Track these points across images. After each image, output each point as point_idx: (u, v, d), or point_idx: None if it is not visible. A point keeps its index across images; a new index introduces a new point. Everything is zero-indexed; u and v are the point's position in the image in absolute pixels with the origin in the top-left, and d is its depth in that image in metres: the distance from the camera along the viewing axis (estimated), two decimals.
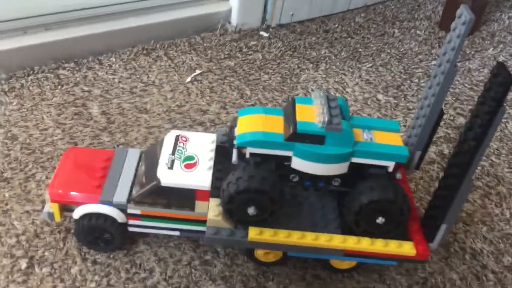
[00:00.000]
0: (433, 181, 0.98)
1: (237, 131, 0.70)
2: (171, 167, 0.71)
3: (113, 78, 1.11)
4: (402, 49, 1.38)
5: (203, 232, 0.74)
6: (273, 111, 0.72)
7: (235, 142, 0.72)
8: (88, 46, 1.15)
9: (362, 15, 1.51)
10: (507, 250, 0.87)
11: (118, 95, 1.07)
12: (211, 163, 0.73)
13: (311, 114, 0.68)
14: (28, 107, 1.00)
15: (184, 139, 0.76)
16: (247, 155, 0.69)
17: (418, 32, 1.47)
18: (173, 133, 0.77)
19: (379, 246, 0.70)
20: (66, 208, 0.75)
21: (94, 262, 0.76)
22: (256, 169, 0.67)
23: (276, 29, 1.37)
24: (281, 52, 1.29)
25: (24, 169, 0.88)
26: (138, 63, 1.17)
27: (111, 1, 1.24)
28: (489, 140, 0.61)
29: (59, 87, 1.07)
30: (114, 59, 1.17)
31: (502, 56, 1.42)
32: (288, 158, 0.69)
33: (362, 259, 0.72)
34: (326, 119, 0.65)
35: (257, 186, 0.66)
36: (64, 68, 1.11)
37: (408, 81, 1.26)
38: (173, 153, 0.73)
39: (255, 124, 0.69)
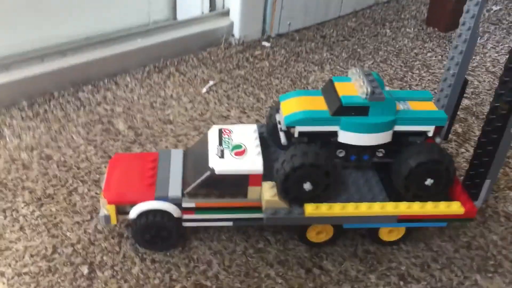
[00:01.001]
0: (454, 157, 1.03)
1: (283, 113, 0.73)
2: (222, 156, 0.74)
3: (132, 96, 1.14)
4: (397, 46, 1.45)
5: (256, 219, 0.77)
6: (311, 92, 0.76)
7: (280, 125, 0.75)
8: (102, 68, 1.18)
9: (353, 19, 1.58)
10: None
11: (140, 111, 1.09)
12: (259, 149, 0.76)
13: (351, 89, 0.72)
14: (56, 129, 1.02)
15: (227, 131, 0.79)
16: (296, 135, 0.72)
17: (408, 30, 1.55)
18: (215, 127, 0.80)
19: (430, 208, 0.73)
20: (120, 211, 0.76)
21: (153, 261, 0.77)
22: (308, 146, 0.70)
23: (276, 39, 1.43)
24: (286, 58, 1.34)
25: (65, 185, 0.89)
26: (152, 81, 1.20)
27: (120, 26, 1.28)
28: None
29: (82, 108, 1.09)
30: (129, 79, 1.20)
31: (490, 43, 1.50)
32: (335, 134, 0.72)
33: (414, 223, 0.75)
34: (369, 89, 0.69)
35: (312, 161, 0.69)
36: (83, 91, 1.14)
37: (410, 73, 1.32)
38: (220, 144, 0.76)
39: (300, 105, 0.73)
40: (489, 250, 0.82)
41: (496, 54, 1.44)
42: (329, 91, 0.74)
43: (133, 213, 0.75)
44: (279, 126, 0.76)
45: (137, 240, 0.77)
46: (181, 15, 1.45)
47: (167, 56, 1.28)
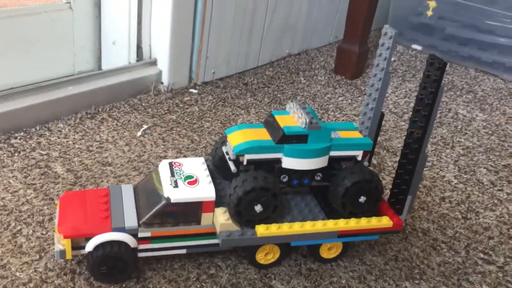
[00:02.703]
0: None
1: (232, 144, 0.80)
2: (176, 186, 0.79)
3: (67, 141, 1.15)
4: (312, 91, 1.60)
5: (209, 245, 0.82)
6: (254, 125, 0.84)
7: (228, 156, 0.82)
8: (33, 116, 1.18)
9: (270, 69, 1.72)
10: (447, 225, 1.05)
11: (77, 154, 1.11)
12: (210, 178, 0.82)
13: (291, 120, 0.82)
14: None
15: (177, 164, 0.84)
16: (245, 162, 0.79)
17: (319, 78, 1.71)
18: (165, 161, 0.85)
19: (364, 223, 0.83)
20: (74, 246, 0.77)
21: None
22: (257, 171, 0.77)
23: (202, 86, 1.51)
24: (213, 103, 1.42)
25: (8, 228, 0.87)
26: (86, 126, 1.22)
27: (44, 77, 1.30)
28: (435, 116, 0.79)
29: (16, 154, 1.08)
30: (61, 125, 1.21)
31: (389, 89, 1.70)
32: (279, 160, 0.80)
33: (351, 238, 0.84)
34: (308, 120, 0.79)
35: (262, 184, 0.76)
36: (15, 138, 1.13)
37: (326, 114, 1.46)
38: (172, 175, 0.81)
39: (246, 136, 0.80)
40: (413, 261, 0.93)
41: (396, 98, 1.64)
42: (271, 123, 0.83)
43: (90, 245, 0.76)
44: (227, 156, 0.83)
45: (93, 273, 0.78)
46: (106, 67, 1.49)
47: (98, 103, 1.31)
